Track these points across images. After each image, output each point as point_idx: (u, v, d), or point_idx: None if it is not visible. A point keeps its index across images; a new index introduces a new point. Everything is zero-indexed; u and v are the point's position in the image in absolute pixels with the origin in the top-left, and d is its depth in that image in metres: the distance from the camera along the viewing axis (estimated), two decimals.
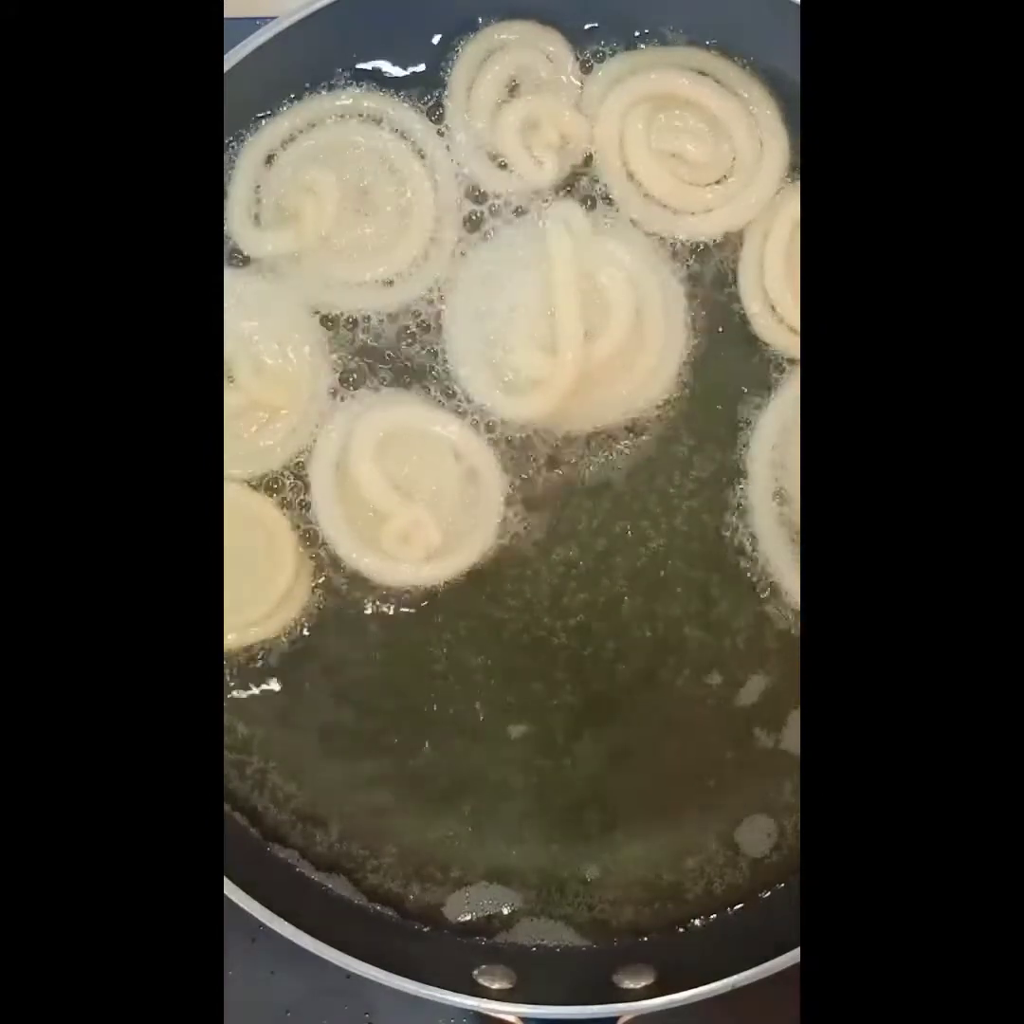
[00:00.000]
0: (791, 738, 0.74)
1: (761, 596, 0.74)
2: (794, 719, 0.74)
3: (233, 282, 0.72)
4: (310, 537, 0.73)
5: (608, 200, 0.74)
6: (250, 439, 0.73)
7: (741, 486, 0.74)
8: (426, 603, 0.74)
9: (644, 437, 0.74)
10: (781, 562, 0.73)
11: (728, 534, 0.74)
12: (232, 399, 0.72)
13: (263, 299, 0.73)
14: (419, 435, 0.73)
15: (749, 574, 0.74)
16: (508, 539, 0.74)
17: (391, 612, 0.74)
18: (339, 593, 0.74)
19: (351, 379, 0.74)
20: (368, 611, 0.74)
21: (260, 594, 0.72)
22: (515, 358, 0.72)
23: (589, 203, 0.74)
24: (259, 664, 0.74)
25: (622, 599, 0.74)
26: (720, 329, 0.74)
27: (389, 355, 0.74)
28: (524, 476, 0.74)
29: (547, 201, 0.74)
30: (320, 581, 0.74)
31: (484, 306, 0.73)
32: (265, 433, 0.73)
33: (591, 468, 0.74)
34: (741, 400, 0.74)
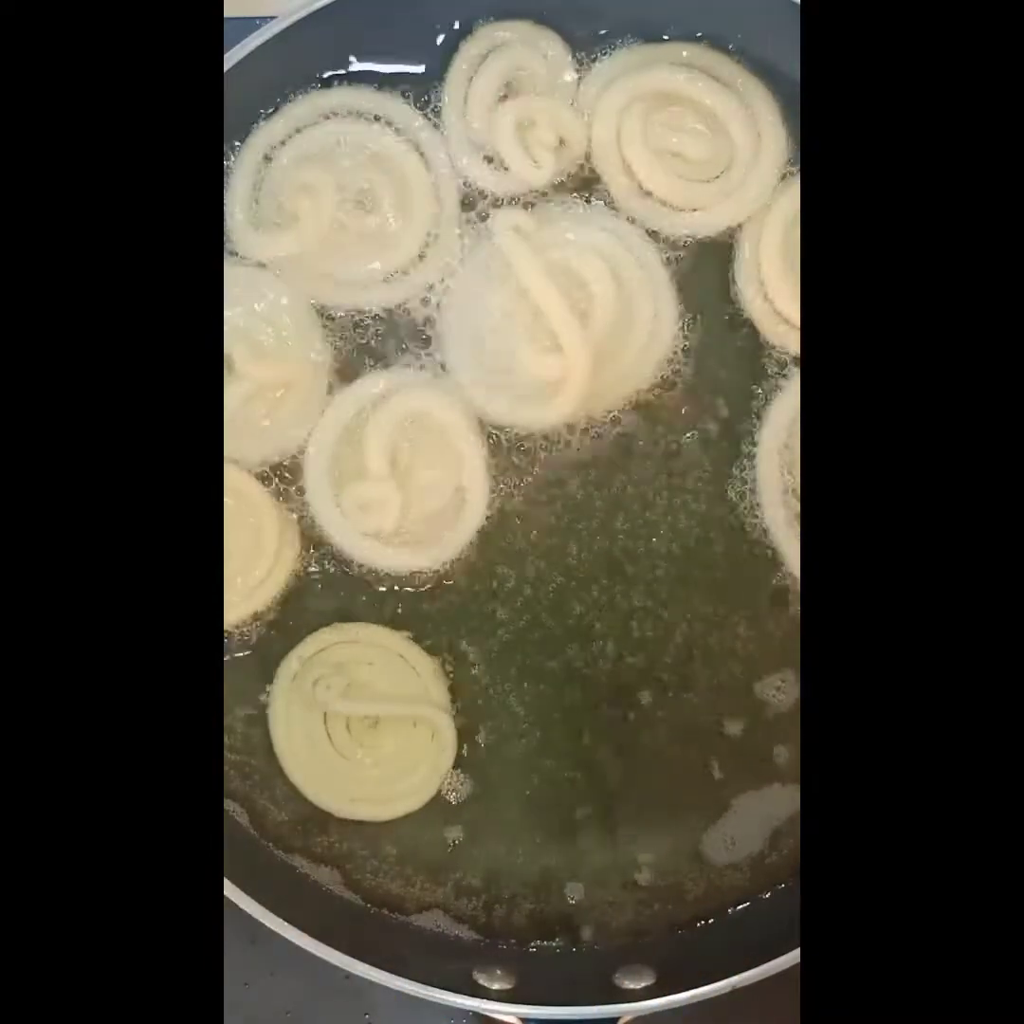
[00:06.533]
0: (793, 738, 0.74)
1: (768, 593, 0.74)
2: (796, 718, 0.73)
3: (228, 273, 0.72)
4: (300, 520, 0.74)
5: (605, 199, 0.74)
6: (256, 423, 0.73)
7: (749, 481, 0.74)
8: (424, 596, 0.74)
9: (643, 433, 0.74)
10: (792, 560, 0.73)
11: (734, 531, 0.74)
12: (234, 388, 0.71)
13: (258, 289, 0.73)
14: (439, 432, 0.72)
15: (757, 572, 0.74)
16: (505, 535, 0.74)
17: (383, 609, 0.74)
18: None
19: (349, 374, 0.74)
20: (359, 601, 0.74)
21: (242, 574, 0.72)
22: (526, 366, 0.71)
23: (587, 201, 0.74)
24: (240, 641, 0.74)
25: (623, 598, 0.74)
26: (717, 323, 0.74)
27: (388, 354, 0.74)
28: (522, 471, 0.74)
29: (496, 206, 0.74)
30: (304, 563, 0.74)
31: (481, 313, 0.73)
32: (272, 415, 0.73)
33: (590, 462, 0.74)
34: (744, 394, 0.74)
